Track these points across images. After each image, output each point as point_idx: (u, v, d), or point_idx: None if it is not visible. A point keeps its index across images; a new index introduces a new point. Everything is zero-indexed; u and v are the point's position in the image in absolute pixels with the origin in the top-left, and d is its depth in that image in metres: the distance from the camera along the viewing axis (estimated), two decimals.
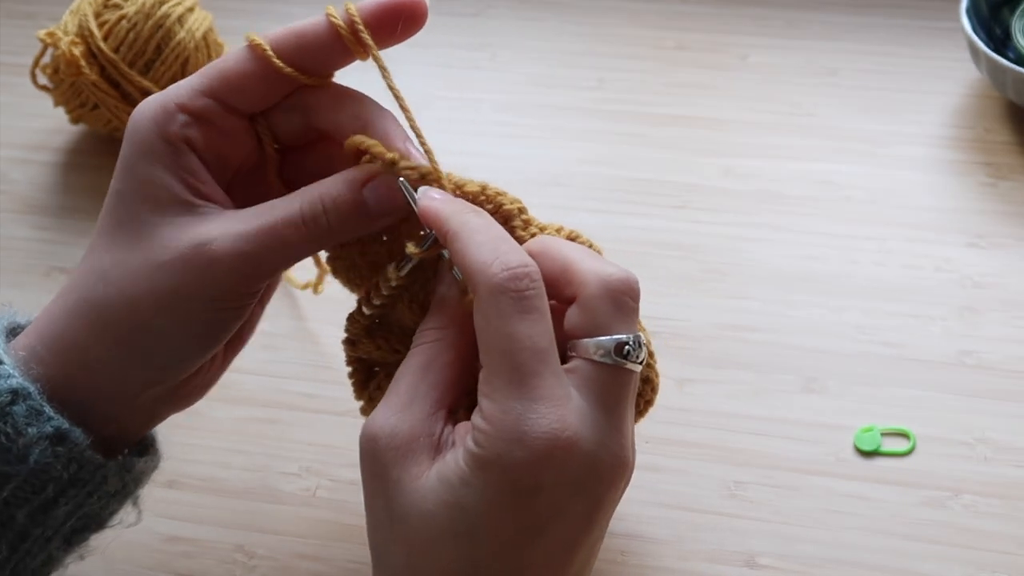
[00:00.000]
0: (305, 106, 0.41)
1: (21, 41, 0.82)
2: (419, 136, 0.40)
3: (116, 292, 0.38)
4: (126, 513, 0.43)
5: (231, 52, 0.40)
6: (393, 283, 0.40)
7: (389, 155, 0.38)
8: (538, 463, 0.34)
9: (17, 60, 0.79)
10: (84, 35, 0.67)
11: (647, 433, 0.54)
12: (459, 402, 0.38)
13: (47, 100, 0.71)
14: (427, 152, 0.39)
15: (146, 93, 0.67)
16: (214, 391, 0.43)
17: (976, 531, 0.50)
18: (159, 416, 0.43)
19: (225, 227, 0.38)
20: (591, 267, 0.37)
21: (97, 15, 0.67)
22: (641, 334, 0.37)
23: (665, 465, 0.53)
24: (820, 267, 0.62)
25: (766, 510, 0.51)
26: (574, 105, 0.74)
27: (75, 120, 0.71)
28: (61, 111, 0.71)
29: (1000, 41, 0.71)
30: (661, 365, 0.57)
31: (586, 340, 0.36)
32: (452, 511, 0.34)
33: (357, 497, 0.52)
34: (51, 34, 0.67)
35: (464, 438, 0.35)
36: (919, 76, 0.74)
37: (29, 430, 0.37)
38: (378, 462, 0.36)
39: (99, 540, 0.42)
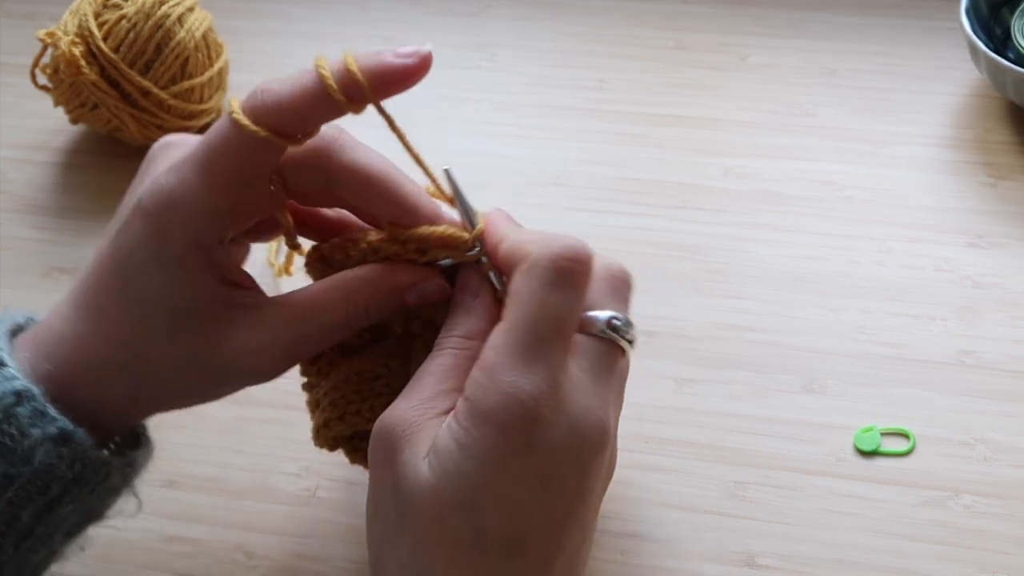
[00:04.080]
0: (327, 170, 0.41)
1: (21, 41, 0.82)
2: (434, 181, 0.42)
3: (144, 366, 0.40)
4: (125, 503, 0.43)
5: (221, 136, 0.38)
6: None
7: (470, 254, 0.41)
8: (530, 422, 0.35)
9: (17, 60, 0.79)
10: (84, 35, 0.67)
11: (647, 433, 0.54)
12: None
13: (47, 100, 0.71)
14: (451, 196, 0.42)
15: (146, 93, 0.67)
16: None
17: (976, 531, 0.50)
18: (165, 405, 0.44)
19: (270, 336, 0.40)
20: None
21: (97, 15, 0.67)
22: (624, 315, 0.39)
23: (665, 465, 0.53)
24: (820, 267, 0.62)
25: (766, 510, 0.51)
26: (574, 105, 0.74)
27: (75, 120, 0.71)
28: (61, 111, 0.71)
29: (1000, 41, 0.71)
30: (661, 365, 0.57)
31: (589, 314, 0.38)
32: (453, 479, 0.35)
33: (357, 497, 0.52)
34: (51, 34, 0.67)
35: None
36: (919, 76, 0.74)
37: (33, 431, 0.37)
38: (391, 448, 0.37)
39: (100, 539, 0.43)
